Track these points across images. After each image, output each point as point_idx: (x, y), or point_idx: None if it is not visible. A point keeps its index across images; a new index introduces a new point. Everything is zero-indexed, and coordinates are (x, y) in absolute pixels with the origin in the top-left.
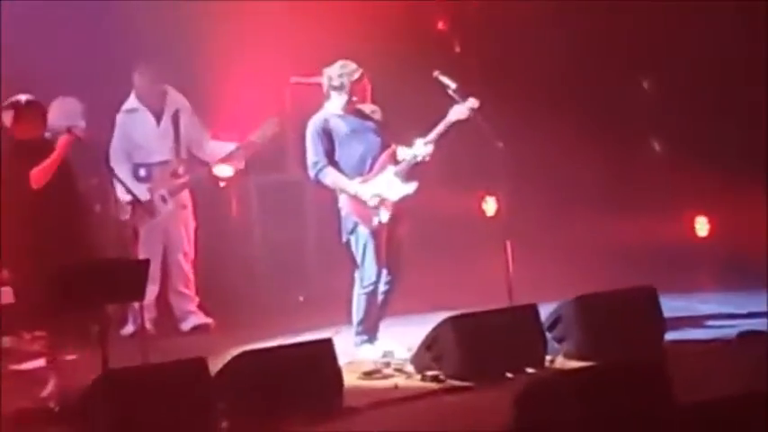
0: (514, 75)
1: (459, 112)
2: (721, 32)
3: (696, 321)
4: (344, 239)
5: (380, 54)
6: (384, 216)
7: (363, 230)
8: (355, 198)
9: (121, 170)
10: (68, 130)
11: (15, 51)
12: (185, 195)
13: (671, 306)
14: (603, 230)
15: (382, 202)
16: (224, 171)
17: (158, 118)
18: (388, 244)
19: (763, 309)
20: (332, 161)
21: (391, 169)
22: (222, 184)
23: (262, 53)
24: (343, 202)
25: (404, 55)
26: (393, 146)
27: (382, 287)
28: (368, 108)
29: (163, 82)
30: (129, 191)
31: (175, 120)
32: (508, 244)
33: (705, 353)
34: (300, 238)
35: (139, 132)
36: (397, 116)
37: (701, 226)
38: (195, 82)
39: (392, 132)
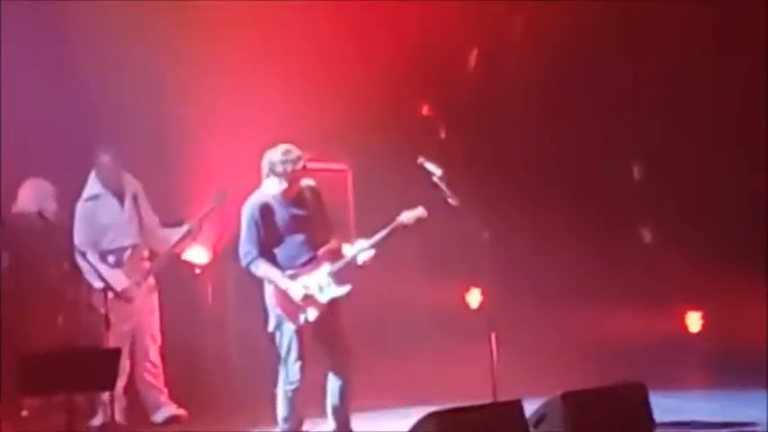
0: (501, 162)
1: (407, 217)
2: (718, 120)
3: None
4: (270, 330)
5: (363, 139)
6: (311, 315)
7: (289, 327)
8: (283, 293)
9: (89, 258)
10: (39, 213)
11: None
12: (152, 280)
13: (661, 404)
14: (592, 324)
15: (311, 300)
16: (199, 257)
17: (121, 202)
18: (329, 336)
19: (756, 411)
20: (265, 249)
21: (326, 267)
22: (197, 270)
23: (233, 136)
24: (269, 294)
25: (387, 140)
26: (333, 241)
27: (333, 380)
28: (308, 193)
29: (122, 166)
30: (103, 279)
31: (136, 203)
32: (493, 337)
33: None
34: None
35: (105, 218)
36: (378, 203)
37: (694, 321)
38: (149, 166)
39: (331, 225)
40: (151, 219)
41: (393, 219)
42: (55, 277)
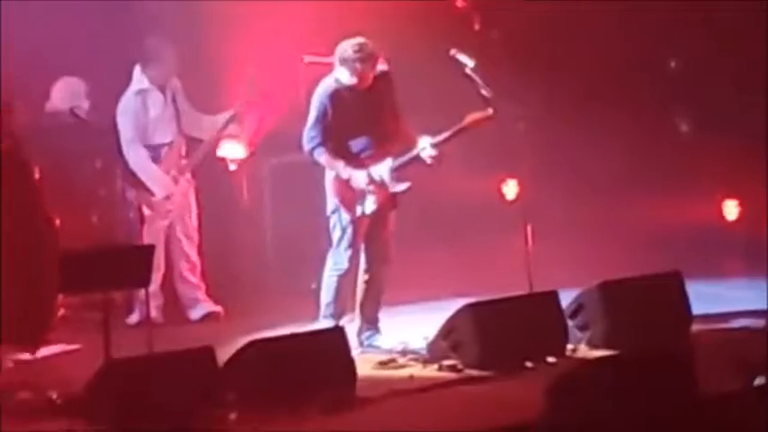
0: (536, 53)
1: (473, 118)
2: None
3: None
4: (327, 214)
5: (396, 33)
6: (369, 207)
7: (345, 215)
8: (344, 182)
9: (137, 153)
10: (71, 111)
11: (15, 29)
12: (189, 176)
13: (701, 293)
14: (628, 214)
15: (372, 191)
16: (235, 152)
17: (165, 97)
18: (376, 231)
19: None
20: (330, 137)
21: (388, 162)
22: (233, 166)
23: (270, 31)
24: (329, 181)
25: (422, 34)
26: (401, 136)
27: (364, 276)
28: (381, 83)
29: (172, 62)
30: (148, 176)
31: (174, 98)
32: (529, 228)
33: (733, 341)
34: (312, 223)
35: (152, 113)
36: (412, 99)
37: (730, 209)
38: (197, 59)
39: (400, 115)
40: (190, 110)
41: (436, 116)
42: (88, 175)
